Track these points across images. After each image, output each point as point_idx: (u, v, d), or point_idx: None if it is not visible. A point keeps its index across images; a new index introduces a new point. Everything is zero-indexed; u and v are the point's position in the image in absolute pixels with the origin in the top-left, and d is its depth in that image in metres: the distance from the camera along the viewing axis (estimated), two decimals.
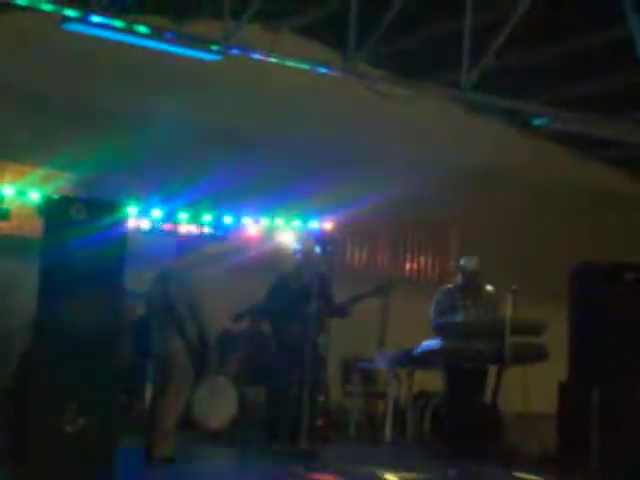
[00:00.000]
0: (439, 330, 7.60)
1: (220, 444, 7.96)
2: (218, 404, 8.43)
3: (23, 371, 6.03)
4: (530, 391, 7.64)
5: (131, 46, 6.80)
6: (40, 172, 8.69)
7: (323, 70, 7.15)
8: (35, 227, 6.86)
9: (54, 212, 6.02)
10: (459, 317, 7.54)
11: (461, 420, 7.41)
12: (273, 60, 6.96)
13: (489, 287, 7.87)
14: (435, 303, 7.77)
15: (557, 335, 7.54)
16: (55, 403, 5.68)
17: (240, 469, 7.18)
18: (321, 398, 8.73)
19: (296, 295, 7.51)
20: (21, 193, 8.39)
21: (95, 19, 6.33)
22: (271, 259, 9.04)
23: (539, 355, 7.51)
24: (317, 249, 7.69)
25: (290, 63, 7.01)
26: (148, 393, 7.58)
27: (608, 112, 8.24)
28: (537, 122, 7.85)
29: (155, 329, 7.00)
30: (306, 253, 7.81)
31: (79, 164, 8.52)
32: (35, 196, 8.31)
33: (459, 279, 7.89)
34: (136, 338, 8.07)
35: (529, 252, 10.43)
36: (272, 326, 7.94)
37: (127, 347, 7.93)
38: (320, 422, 8.50)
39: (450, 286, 8.02)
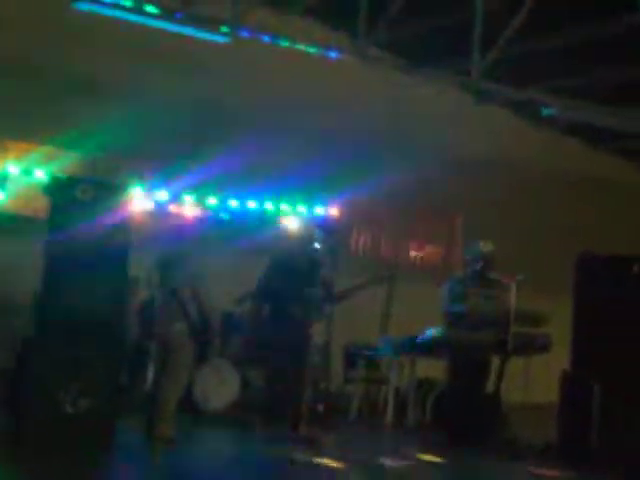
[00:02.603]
0: (448, 317, 7.57)
1: (221, 427, 7.96)
2: (220, 387, 8.44)
3: (26, 351, 6.02)
4: (532, 381, 7.63)
5: (137, 25, 6.75)
6: (44, 150, 8.65)
7: (333, 54, 7.10)
8: (40, 207, 6.85)
9: (60, 192, 6.01)
10: (465, 306, 7.51)
11: (462, 409, 7.40)
12: (283, 43, 6.91)
13: (494, 275, 7.83)
14: (448, 290, 7.70)
15: (560, 325, 7.52)
16: (57, 384, 5.68)
17: (240, 452, 7.18)
18: (323, 383, 8.75)
19: (288, 280, 7.50)
20: (27, 172, 8.35)
21: None
22: (275, 243, 9.01)
23: (542, 346, 7.50)
24: (317, 234, 7.67)
25: (300, 47, 6.97)
26: (150, 375, 7.58)
27: (617, 104, 8.19)
28: (546, 112, 7.81)
29: (157, 312, 6.99)
30: (304, 237, 7.80)
31: (84, 143, 8.47)
32: (41, 175, 8.27)
33: (474, 265, 7.81)
34: (139, 321, 8.07)
35: (534, 242, 10.40)
36: (269, 309, 7.92)
37: (131, 329, 7.92)
38: (321, 407, 8.52)
39: (463, 273, 7.98)
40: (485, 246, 7.80)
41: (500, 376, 7.43)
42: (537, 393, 7.84)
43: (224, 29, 6.65)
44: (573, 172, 10.48)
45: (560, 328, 7.51)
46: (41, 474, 5.05)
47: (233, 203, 9.38)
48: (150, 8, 6.49)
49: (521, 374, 7.51)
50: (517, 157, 10.07)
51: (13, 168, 8.34)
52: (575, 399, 7.50)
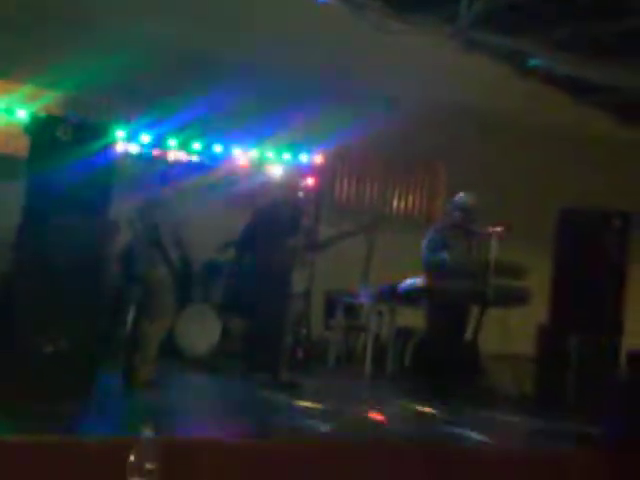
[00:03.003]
0: (428, 267, 7.60)
1: (201, 372, 8.02)
2: (201, 332, 8.49)
3: (4, 290, 6.00)
4: (510, 332, 7.70)
5: None
6: (27, 89, 8.53)
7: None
8: (21, 146, 6.77)
9: (40, 131, 5.93)
10: (445, 256, 7.54)
11: (441, 357, 7.48)
12: None
13: (475, 226, 7.86)
14: (428, 240, 7.72)
15: (539, 278, 7.58)
16: (36, 324, 5.68)
17: (220, 396, 7.25)
18: (303, 330, 8.81)
19: (270, 228, 7.50)
20: (7, 111, 8.25)
21: None
22: (259, 191, 8.98)
23: (521, 298, 7.55)
24: (300, 183, 7.67)
25: None
26: (130, 318, 7.60)
27: (603, 56, 8.14)
28: (533, 63, 7.75)
29: (139, 256, 6.98)
30: (287, 187, 7.79)
31: (66, 82, 8.35)
32: (22, 114, 8.17)
33: (455, 216, 7.81)
34: (120, 265, 8.06)
35: (516, 194, 10.42)
36: (252, 258, 7.93)
37: (111, 273, 7.91)
38: (301, 354, 8.59)
39: (443, 223, 8.00)
40: (467, 198, 7.81)
41: (478, 326, 7.50)
42: (515, 344, 7.92)
43: None
44: (556, 125, 10.45)
45: (538, 281, 7.56)
46: (18, 414, 5.07)
47: (217, 148, 9.33)
48: None
49: (499, 325, 7.57)
50: (501, 108, 10.02)
51: None
52: (552, 351, 7.61)
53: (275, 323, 7.50)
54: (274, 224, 7.56)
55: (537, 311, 7.64)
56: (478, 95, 9.74)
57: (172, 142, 9.05)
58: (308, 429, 5.80)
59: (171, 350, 8.00)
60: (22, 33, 8.54)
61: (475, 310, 7.58)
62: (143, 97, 8.77)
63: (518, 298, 7.54)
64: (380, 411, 6.53)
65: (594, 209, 7.97)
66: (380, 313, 9.00)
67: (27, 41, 8.48)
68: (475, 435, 6.04)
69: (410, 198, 11.08)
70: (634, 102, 10.05)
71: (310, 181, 9.77)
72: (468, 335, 7.67)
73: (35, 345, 5.66)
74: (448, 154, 10.48)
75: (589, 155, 10.87)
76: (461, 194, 7.85)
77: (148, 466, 3.20)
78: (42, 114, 6.65)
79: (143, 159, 8.87)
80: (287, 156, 9.70)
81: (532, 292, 7.54)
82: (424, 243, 7.76)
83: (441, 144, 10.34)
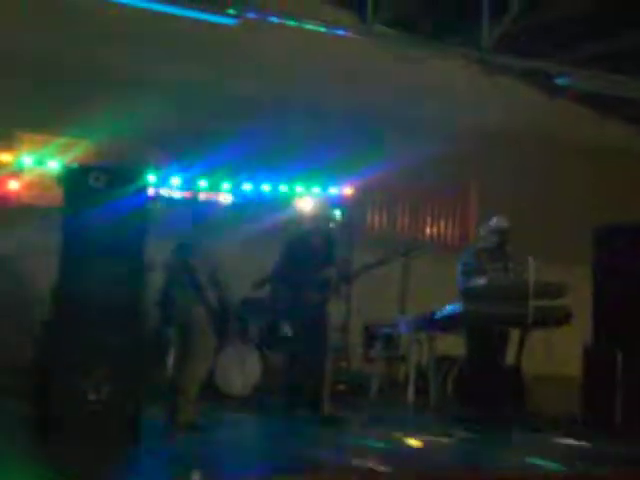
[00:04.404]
0: (465, 293, 7.54)
1: (243, 411, 7.98)
2: (241, 371, 8.46)
3: (44, 339, 6.04)
4: (554, 353, 7.60)
5: (149, 12, 6.73)
6: (58, 141, 8.68)
7: (340, 32, 7.05)
8: (55, 196, 6.86)
9: (73, 181, 6.01)
10: (483, 280, 7.47)
11: (483, 384, 7.38)
12: (290, 23, 6.86)
13: (511, 248, 7.80)
14: (461, 264, 7.68)
15: (580, 297, 7.48)
16: (77, 371, 5.70)
17: (264, 436, 7.20)
18: (343, 363, 8.76)
19: (303, 261, 7.49)
20: (40, 162, 8.38)
21: None
22: (290, 225, 9.00)
23: (563, 318, 7.45)
24: (332, 214, 7.66)
25: (308, 26, 6.91)
26: (171, 361, 7.60)
27: (629, 71, 8.09)
28: (560, 81, 7.72)
29: (176, 298, 6.99)
30: (318, 218, 7.78)
31: (97, 132, 8.48)
32: (54, 165, 8.29)
33: (490, 239, 7.78)
34: (159, 307, 8.07)
35: (551, 214, 10.34)
36: (286, 292, 7.91)
37: (149, 315, 7.92)
38: (342, 387, 8.52)
39: (477, 247, 7.96)
40: (500, 221, 7.77)
41: (520, 349, 7.40)
42: (559, 365, 7.81)
43: (230, 11, 6.59)
44: (587, 142, 10.39)
45: (580, 299, 7.46)
46: (65, 462, 5.07)
47: (247, 187, 9.38)
48: None
49: (542, 346, 7.46)
50: (531, 128, 9.99)
51: (27, 159, 8.37)
52: (598, 371, 7.47)
53: (315, 357, 7.45)
54: (307, 256, 7.54)
55: (581, 330, 7.53)
56: (507, 117, 9.74)
57: (202, 183, 9.11)
58: (354, 463, 5.73)
59: (212, 390, 7.97)
60: (50, 86, 8.69)
61: (516, 333, 7.49)
62: (172, 142, 8.87)
63: (560, 318, 7.43)
64: (425, 441, 6.44)
65: (631, 225, 7.87)
66: (419, 342, 8.91)
67: (58, 95, 8.63)
68: (523, 460, 5.94)
69: (442, 223, 11.03)
70: None
71: (341, 212, 9.77)
72: (510, 359, 7.57)
73: (79, 393, 5.67)
74: (479, 176, 10.44)
75: (623, 171, 10.77)
76: (494, 217, 7.81)
77: None
78: (73, 164, 6.74)
79: (175, 201, 8.93)
80: (316, 190, 9.72)
81: (573, 311, 7.44)
82: (459, 268, 7.71)
83: (472, 168, 10.30)
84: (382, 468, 5.58)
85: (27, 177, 8.49)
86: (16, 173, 8.38)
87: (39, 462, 5.28)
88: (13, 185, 8.54)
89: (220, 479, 4.90)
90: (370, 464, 5.64)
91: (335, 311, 7.91)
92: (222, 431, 6.98)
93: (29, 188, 8.83)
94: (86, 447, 5.44)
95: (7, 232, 8.38)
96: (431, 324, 8.32)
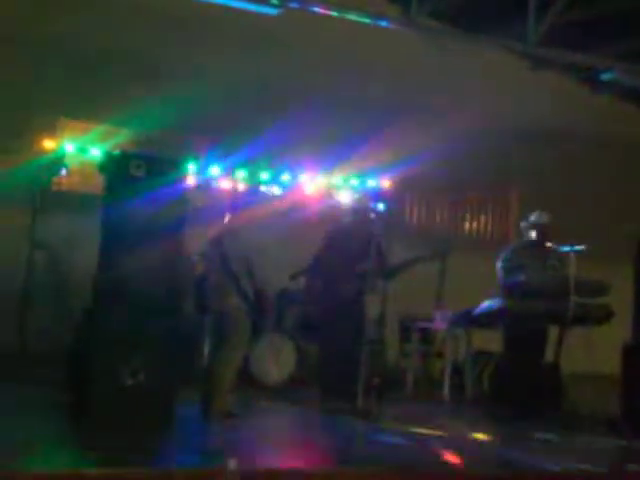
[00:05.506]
0: (505, 289, 7.47)
1: (277, 400, 8.00)
2: (276, 361, 8.48)
3: (86, 326, 6.11)
4: (593, 352, 7.49)
5: (194, 1, 6.74)
6: (100, 128, 8.74)
7: (384, 24, 7.00)
8: (96, 184, 6.91)
9: (114, 168, 6.05)
10: (523, 276, 7.40)
11: (521, 380, 7.31)
12: (333, 14, 6.83)
13: (552, 245, 7.71)
14: (503, 261, 7.62)
15: (622, 296, 7.37)
16: (116, 358, 5.75)
17: (298, 425, 7.20)
18: (378, 357, 8.71)
19: (343, 253, 7.46)
20: (82, 150, 8.45)
21: None
22: (329, 217, 8.98)
23: (603, 316, 7.36)
24: (372, 208, 7.62)
25: (351, 16, 6.88)
26: (207, 349, 7.63)
27: None
28: (606, 76, 7.61)
29: (212, 286, 7.02)
30: (358, 212, 7.74)
31: (138, 121, 8.53)
32: (96, 153, 8.36)
33: (530, 235, 7.72)
34: (195, 295, 8.11)
35: (593, 211, 10.20)
36: (323, 285, 7.89)
37: (188, 304, 7.97)
38: (377, 381, 8.49)
39: (518, 243, 7.89)
40: (541, 216, 7.71)
41: (559, 346, 7.32)
42: (598, 364, 7.70)
43: (274, 0, 6.59)
44: (632, 139, 10.22)
45: (622, 297, 7.35)
46: (102, 447, 5.12)
47: (285, 177, 9.37)
48: None
49: (581, 344, 7.37)
50: (577, 125, 9.85)
51: (70, 146, 8.45)
52: (637, 370, 7.36)
53: (349, 350, 7.43)
54: (345, 249, 7.52)
55: (622, 329, 7.43)
56: (550, 112, 9.61)
57: (241, 173, 9.13)
58: (387, 457, 5.70)
59: (247, 380, 8.00)
60: (94, 74, 8.76)
61: (555, 330, 7.41)
62: (212, 131, 8.89)
63: (600, 316, 7.34)
64: (460, 436, 6.39)
65: None
66: (456, 337, 8.86)
67: (100, 82, 8.70)
68: (559, 458, 5.87)
69: (482, 219, 10.94)
70: None
71: (380, 205, 9.73)
72: (549, 356, 7.49)
73: (117, 378, 5.72)
74: (521, 172, 10.34)
75: None
76: (535, 212, 7.74)
77: None
78: (114, 151, 6.78)
79: (213, 191, 8.96)
80: (355, 182, 9.69)
81: (614, 309, 7.34)
82: (499, 264, 7.64)
83: (513, 164, 10.20)
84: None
85: (69, 164, 8.56)
86: (59, 160, 8.45)
87: (76, 447, 5.34)
88: (55, 172, 8.63)
89: (254, 467, 4.90)
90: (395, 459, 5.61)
91: (371, 304, 7.88)
92: (256, 420, 7.00)
93: (71, 175, 8.93)
94: (122, 432, 5.48)
95: (48, 219, 8.48)
96: (468, 319, 8.28)
